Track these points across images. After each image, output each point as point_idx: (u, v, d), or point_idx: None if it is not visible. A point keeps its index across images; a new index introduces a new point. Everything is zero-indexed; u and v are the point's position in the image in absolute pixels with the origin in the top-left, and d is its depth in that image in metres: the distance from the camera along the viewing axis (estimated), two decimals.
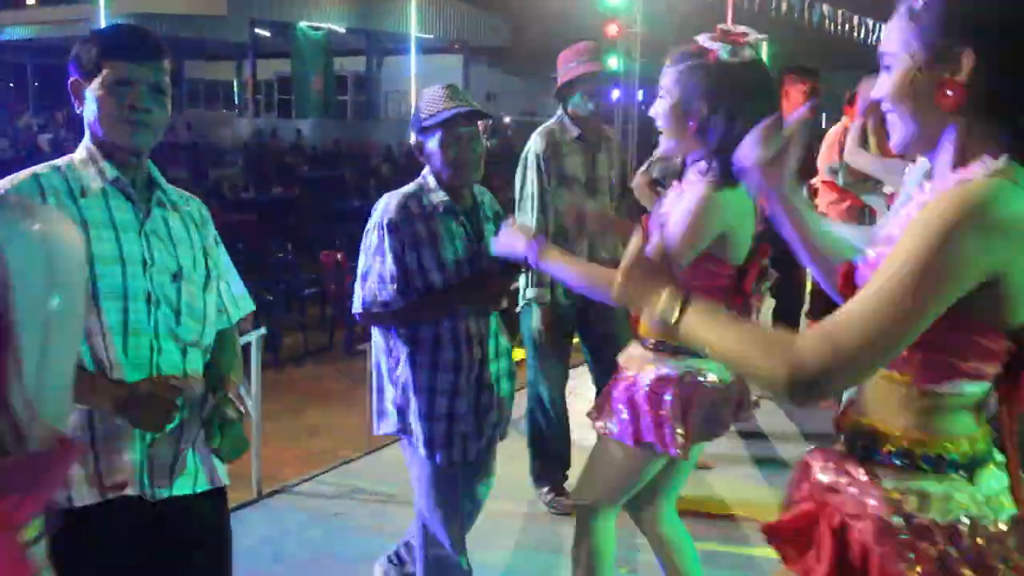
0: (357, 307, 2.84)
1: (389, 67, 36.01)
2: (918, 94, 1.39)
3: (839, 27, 15.54)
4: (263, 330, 4.40)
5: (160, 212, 2.05)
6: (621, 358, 2.61)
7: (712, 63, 2.28)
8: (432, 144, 2.82)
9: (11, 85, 46.10)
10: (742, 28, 2.36)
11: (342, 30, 32.62)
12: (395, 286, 2.75)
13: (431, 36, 33.21)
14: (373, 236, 2.80)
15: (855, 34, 16.20)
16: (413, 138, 2.90)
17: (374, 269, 2.79)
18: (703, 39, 2.33)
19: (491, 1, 33.34)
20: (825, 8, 14.87)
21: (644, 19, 14.06)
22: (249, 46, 31.47)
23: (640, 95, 14.91)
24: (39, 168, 2.00)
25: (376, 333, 2.97)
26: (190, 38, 31.40)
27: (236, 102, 39.06)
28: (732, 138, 2.01)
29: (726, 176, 2.24)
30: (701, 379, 2.43)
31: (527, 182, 3.94)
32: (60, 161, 2.03)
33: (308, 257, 10.85)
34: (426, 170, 2.90)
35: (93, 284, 1.88)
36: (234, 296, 2.26)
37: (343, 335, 8.72)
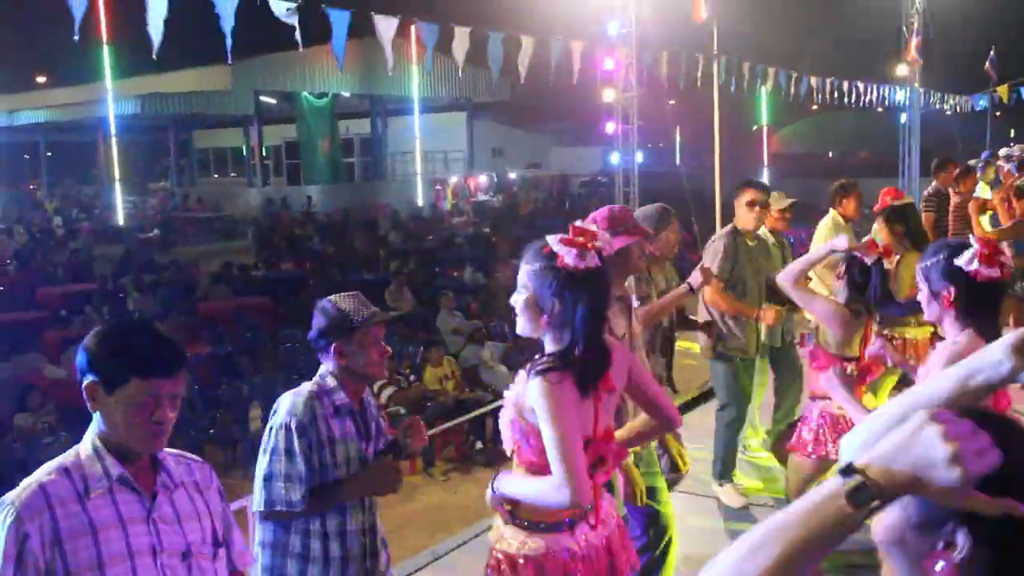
0: (259, 507, 2.88)
1: (394, 127, 36.52)
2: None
3: (827, 97, 15.80)
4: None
5: (166, 495, 2.10)
6: None
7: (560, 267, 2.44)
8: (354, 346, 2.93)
9: (25, 156, 47.12)
10: (592, 228, 2.52)
11: (347, 94, 33.15)
12: (304, 486, 2.84)
13: (434, 96, 33.68)
14: (279, 436, 2.87)
15: (845, 100, 16.50)
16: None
17: (279, 470, 2.86)
18: (552, 241, 2.49)
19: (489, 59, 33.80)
20: (813, 81, 15.13)
21: (640, 83, 14.25)
22: (254, 117, 32.01)
23: (640, 157, 15.08)
24: (44, 476, 2.01)
25: (264, 529, 2.98)
26: (198, 113, 31.99)
27: (245, 167, 39.62)
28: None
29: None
30: None
31: None
32: (68, 458, 2.06)
33: None
34: (323, 369, 2.99)
35: None
36: (240, 551, 2.32)
37: None
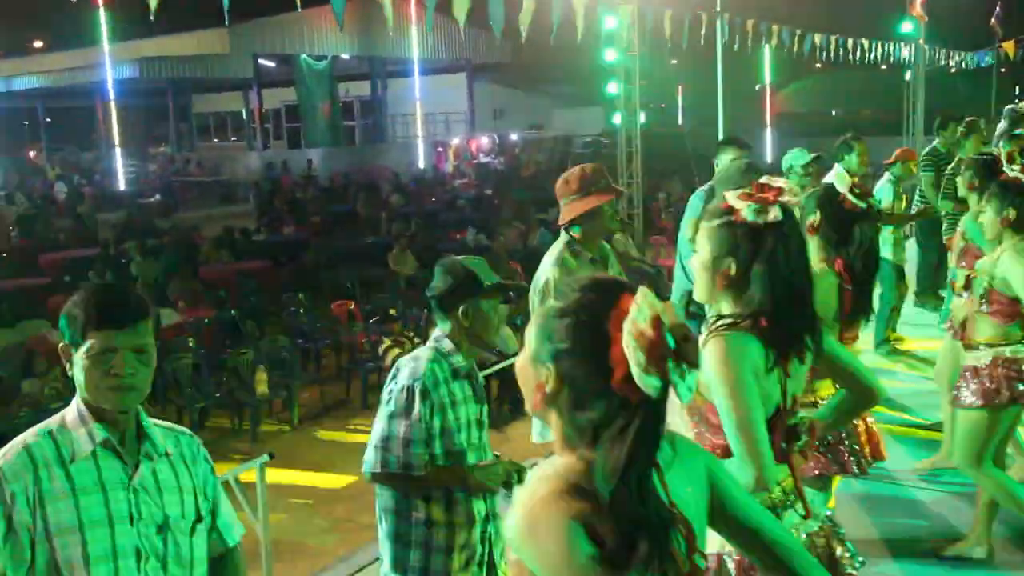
0: (374, 468, 2.88)
1: (394, 89, 36.25)
2: None
3: (831, 55, 15.65)
4: (266, 457, 4.41)
5: (148, 464, 2.09)
6: None
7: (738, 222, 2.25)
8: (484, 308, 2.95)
9: (24, 123, 46.87)
10: (778, 184, 2.29)
11: (346, 56, 32.86)
12: (424, 449, 2.84)
13: (434, 57, 33.39)
14: (399, 398, 2.87)
15: (849, 58, 16.35)
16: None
17: (399, 432, 2.86)
18: (731, 197, 2.29)
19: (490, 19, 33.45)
20: (817, 38, 14.93)
21: (642, 42, 14.10)
22: (254, 80, 31.76)
23: (642, 117, 14.96)
24: (31, 436, 2.05)
25: (384, 495, 2.98)
26: (196, 76, 31.73)
27: (245, 131, 39.41)
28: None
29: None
30: None
31: None
32: (54, 421, 2.07)
33: (321, 303, 10.97)
34: (439, 332, 2.98)
35: (83, 548, 1.97)
36: (227, 524, 2.31)
37: (359, 388, 8.85)
